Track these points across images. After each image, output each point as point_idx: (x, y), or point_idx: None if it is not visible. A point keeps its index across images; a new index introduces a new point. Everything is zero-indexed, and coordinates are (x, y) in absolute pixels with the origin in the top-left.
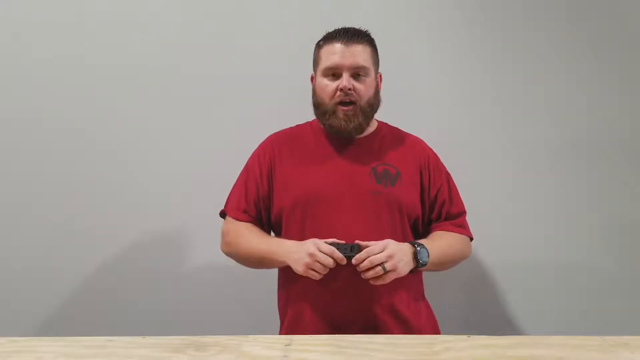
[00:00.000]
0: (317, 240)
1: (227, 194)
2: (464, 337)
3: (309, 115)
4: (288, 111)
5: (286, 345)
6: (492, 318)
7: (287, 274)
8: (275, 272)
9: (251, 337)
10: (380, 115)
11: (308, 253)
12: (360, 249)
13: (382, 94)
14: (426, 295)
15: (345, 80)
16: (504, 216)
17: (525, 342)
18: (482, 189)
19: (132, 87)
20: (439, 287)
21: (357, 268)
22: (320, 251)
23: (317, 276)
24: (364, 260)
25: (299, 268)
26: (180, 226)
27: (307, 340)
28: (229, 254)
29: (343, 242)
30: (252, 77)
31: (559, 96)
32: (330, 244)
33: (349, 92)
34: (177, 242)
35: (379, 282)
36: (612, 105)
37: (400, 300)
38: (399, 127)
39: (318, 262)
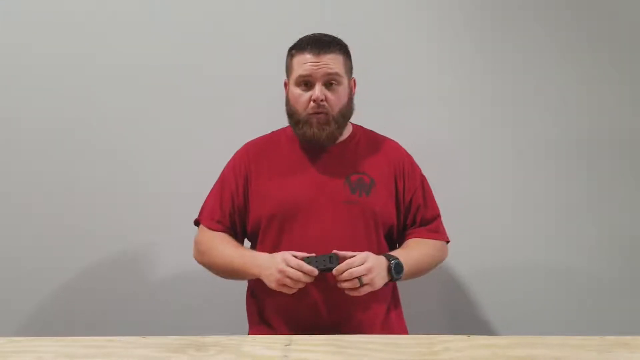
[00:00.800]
0: (285, 255)
1: None
2: (464, 337)
3: None
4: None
5: (286, 345)
6: (491, 318)
7: (257, 283)
8: None
9: (251, 337)
10: (380, 115)
11: (277, 269)
12: (338, 259)
13: (383, 93)
14: (425, 295)
15: (318, 91)
16: (503, 216)
17: (525, 342)
18: (482, 189)
19: (133, 88)
20: (439, 287)
21: (337, 278)
22: (289, 266)
23: (289, 291)
24: (343, 271)
25: (271, 284)
26: (180, 226)
27: (307, 340)
28: (202, 263)
29: (320, 255)
30: (251, 77)
31: (559, 96)
32: (307, 256)
33: (322, 103)
34: (177, 242)
35: (354, 294)
36: (613, 105)
37: (373, 308)
38: (397, 129)
39: (288, 277)
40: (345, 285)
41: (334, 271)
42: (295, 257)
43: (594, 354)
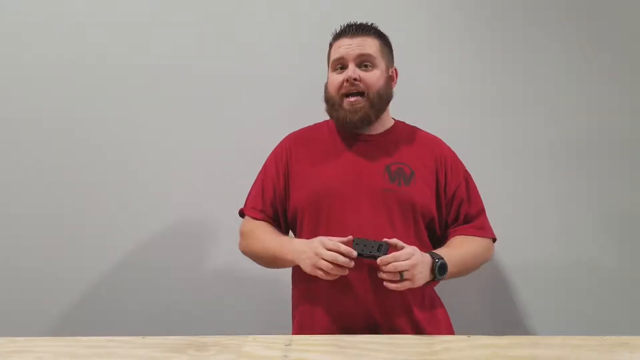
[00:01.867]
0: (323, 238)
1: (229, 194)
2: (464, 337)
3: (317, 115)
4: (296, 111)
5: (286, 345)
6: (492, 318)
7: (298, 273)
8: (277, 272)
9: (251, 337)
10: None
11: (313, 252)
12: (388, 249)
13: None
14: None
15: (351, 70)
16: (503, 216)
17: (525, 342)
18: (482, 189)
19: (135, 88)
20: (439, 287)
21: (380, 268)
22: (326, 248)
23: (324, 276)
24: (388, 263)
25: (306, 268)
26: (181, 226)
27: (307, 340)
28: (245, 253)
29: (370, 240)
30: (257, 77)
31: (559, 96)
32: (358, 239)
33: (355, 82)
34: (177, 243)
35: (392, 287)
36: (613, 105)
37: (415, 304)
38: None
39: (324, 259)
40: (385, 276)
41: (379, 260)
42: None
43: (595, 354)
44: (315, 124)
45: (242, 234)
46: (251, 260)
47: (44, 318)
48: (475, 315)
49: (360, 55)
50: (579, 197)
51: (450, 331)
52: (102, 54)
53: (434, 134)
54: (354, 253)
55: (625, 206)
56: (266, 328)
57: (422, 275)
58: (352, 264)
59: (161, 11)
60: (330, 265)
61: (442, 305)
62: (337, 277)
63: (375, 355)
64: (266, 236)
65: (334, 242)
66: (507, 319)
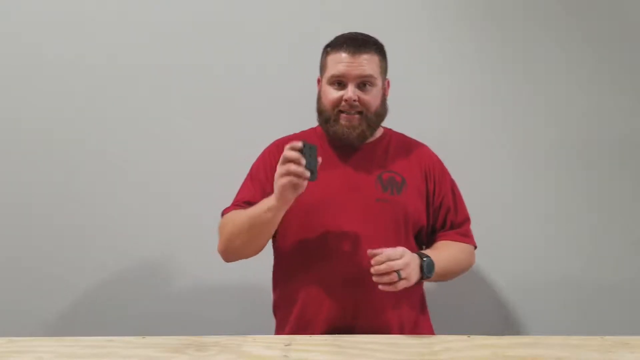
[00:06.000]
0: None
1: (230, 194)
2: (464, 337)
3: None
4: (293, 113)
5: (286, 345)
6: (492, 318)
7: (278, 276)
8: None
9: (251, 337)
10: None
11: (279, 174)
12: (313, 149)
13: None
14: (429, 297)
15: (351, 92)
16: (504, 216)
17: (525, 342)
18: (482, 189)
19: (137, 88)
20: (439, 287)
21: (373, 270)
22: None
23: (297, 181)
24: (382, 263)
25: (281, 183)
26: (181, 226)
27: (307, 340)
28: (225, 251)
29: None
30: (257, 77)
31: (559, 96)
32: (303, 146)
33: (354, 103)
34: (178, 243)
35: (389, 289)
36: (613, 106)
37: (403, 308)
38: (397, 129)
39: (288, 161)
40: (383, 279)
41: (372, 261)
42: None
43: (595, 354)
44: (302, 132)
45: (219, 233)
46: (252, 261)
47: (44, 318)
48: (476, 316)
49: (361, 76)
50: (579, 197)
51: (431, 333)
52: (103, 54)
53: (437, 132)
54: (298, 144)
55: (626, 206)
56: (266, 328)
57: (415, 272)
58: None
59: (160, 11)
60: (298, 167)
61: (426, 309)
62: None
63: (375, 355)
64: (237, 215)
65: (287, 152)
66: (507, 319)
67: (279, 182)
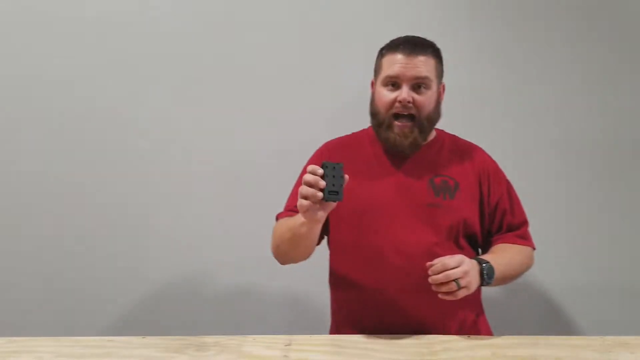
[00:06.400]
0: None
1: (230, 195)
2: (464, 337)
3: (319, 115)
4: (296, 111)
5: (286, 345)
6: (492, 318)
7: (335, 277)
8: (277, 272)
9: (251, 337)
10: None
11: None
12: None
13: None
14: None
15: (405, 93)
16: None
17: (525, 342)
18: None
19: (136, 87)
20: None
21: (430, 279)
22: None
23: (306, 206)
24: (439, 272)
25: (299, 205)
26: (181, 227)
27: (307, 340)
28: (275, 256)
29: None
30: (258, 77)
31: (561, 96)
32: (328, 165)
33: (408, 104)
34: (178, 243)
35: (449, 298)
36: (617, 106)
37: (460, 314)
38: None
39: (306, 184)
40: (442, 289)
41: (429, 271)
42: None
43: (595, 354)
44: (353, 133)
45: (272, 237)
46: (252, 261)
47: (44, 318)
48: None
49: (416, 78)
50: (580, 196)
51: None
52: (106, 54)
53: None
54: (319, 170)
55: (627, 206)
56: (266, 328)
57: (475, 279)
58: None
59: (167, 11)
60: (311, 191)
61: (483, 311)
62: (316, 201)
63: (375, 355)
64: (282, 223)
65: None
66: (507, 319)
67: (298, 203)
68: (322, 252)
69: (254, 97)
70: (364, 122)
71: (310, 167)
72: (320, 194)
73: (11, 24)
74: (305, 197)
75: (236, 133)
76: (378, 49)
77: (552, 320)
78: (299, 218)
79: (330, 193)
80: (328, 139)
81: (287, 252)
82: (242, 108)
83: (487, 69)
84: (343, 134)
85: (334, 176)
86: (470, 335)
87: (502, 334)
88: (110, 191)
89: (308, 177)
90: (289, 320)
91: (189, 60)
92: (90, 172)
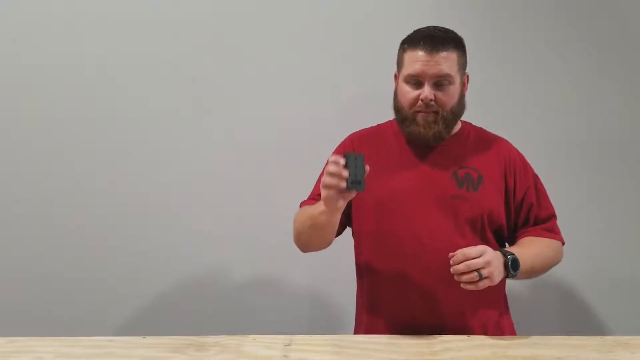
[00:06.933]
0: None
1: (230, 194)
2: (464, 337)
3: (320, 114)
4: (296, 112)
5: (286, 345)
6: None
7: (361, 268)
8: (277, 273)
9: (251, 337)
10: (381, 116)
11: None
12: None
13: (383, 95)
14: None
15: (427, 91)
16: None
17: (525, 342)
18: None
19: (138, 88)
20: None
21: (452, 270)
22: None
23: (330, 195)
24: (459, 262)
25: (322, 195)
26: (181, 227)
27: (307, 340)
28: (297, 244)
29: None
30: (259, 77)
31: (558, 96)
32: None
33: (430, 103)
34: (178, 243)
35: (471, 288)
36: (614, 105)
37: (483, 309)
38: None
39: (329, 174)
40: (463, 278)
41: (451, 261)
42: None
43: (595, 354)
44: (378, 125)
45: (293, 225)
46: (252, 261)
47: (44, 318)
48: None
49: (438, 76)
50: (579, 196)
51: (513, 334)
52: (108, 53)
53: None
54: (340, 160)
55: (626, 206)
56: (266, 328)
57: (498, 271)
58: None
59: (168, 12)
60: (334, 179)
61: (508, 309)
62: (341, 191)
63: (375, 355)
64: (303, 211)
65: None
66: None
67: (322, 192)
68: (323, 253)
69: (254, 97)
70: (369, 120)
71: (333, 157)
72: (344, 184)
73: (11, 24)
74: (329, 187)
75: (236, 133)
76: (380, 47)
77: (551, 319)
78: (319, 206)
79: (353, 183)
80: (329, 137)
81: (309, 239)
82: (243, 107)
83: (481, 69)
84: (347, 134)
85: (356, 166)
86: (470, 335)
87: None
88: (110, 191)
89: (331, 167)
90: (289, 320)
91: (189, 60)
92: (91, 172)
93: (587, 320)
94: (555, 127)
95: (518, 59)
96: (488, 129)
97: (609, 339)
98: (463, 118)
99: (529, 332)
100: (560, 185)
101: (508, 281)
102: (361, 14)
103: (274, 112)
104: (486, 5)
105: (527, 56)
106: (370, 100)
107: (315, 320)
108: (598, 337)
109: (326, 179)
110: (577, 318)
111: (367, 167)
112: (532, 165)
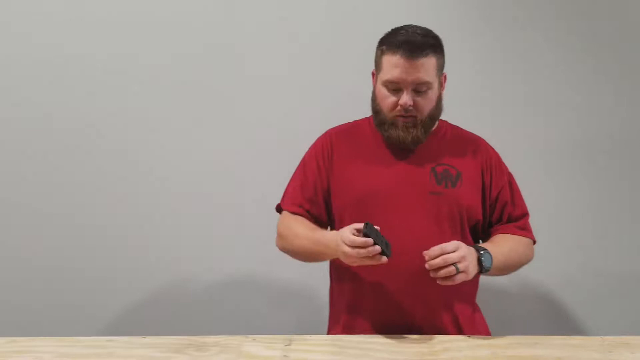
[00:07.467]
0: (343, 234)
1: (230, 194)
2: (464, 337)
3: (320, 115)
4: (296, 111)
5: (286, 345)
6: (492, 318)
7: (336, 270)
8: (276, 273)
9: (251, 337)
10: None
11: (341, 252)
12: (390, 247)
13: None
14: None
15: (406, 98)
16: None
17: (526, 342)
18: None
19: (143, 87)
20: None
21: (428, 265)
22: (347, 245)
23: (364, 262)
24: (436, 257)
25: (351, 262)
26: (181, 227)
27: (307, 340)
28: (281, 249)
29: (377, 227)
30: (259, 77)
31: (558, 96)
32: (365, 227)
33: (409, 108)
34: (178, 243)
35: (447, 283)
36: (613, 105)
37: (458, 306)
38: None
39: (360, 257)
40: (440, 273)
41: (426, 257)
42: (356, 229)
43: (595, 354)
44: (355, 122)
45: (279, 231)
46: (252, 260)
47: (44, 318)
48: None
49: (417, 83)
50: (578, 196)
51: (487, 333)
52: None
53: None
54: (370, 241)
55: (625, 206)
56: (266, 328)
57: (472, 265)
58: (378, 250)
59: (169, 12)
60: (361, 259)
61: (477, 307)
62: (379, 262)
63: (375, 355)
64: (302, 231)
65: (351, 238)
66: (507, 319)
67: (350, 261)
68: None
69: (254, 97)
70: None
71: (361, 240)
72: (385, 259)
73: (11, 24)
74: (362, 260)
75: (236, 133)
76: (373, 47)
77: (551, 319)
78: (327, 244)
79: (383, 253)
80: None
81: (304, 259)
82: (243, 107)
83: (480, 69)
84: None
85: (376, 235)
86: (470, 335)
87: (500, 333)
88: (110, 191)
89: (357, 240)
90: (289, 320)
91: (189, 60)
92: (91, 172)
93: (587, 320)
94: (554, 127)
95: (518, 59)
96: (487, 129)
97: (609, 339)
98: (462, 118)
99: (524, 332)
100: (560, 185)
101: (508, 283)
102: (361, 13)
103: (274, 112)
104: (485, 4)
105: (527, 56)
106: (368, 100)
107: (315, 320)
108: (598, 337)
109: (366, 261)
110: (577, 318)
111: (378, 228)
112: (530, 165)
